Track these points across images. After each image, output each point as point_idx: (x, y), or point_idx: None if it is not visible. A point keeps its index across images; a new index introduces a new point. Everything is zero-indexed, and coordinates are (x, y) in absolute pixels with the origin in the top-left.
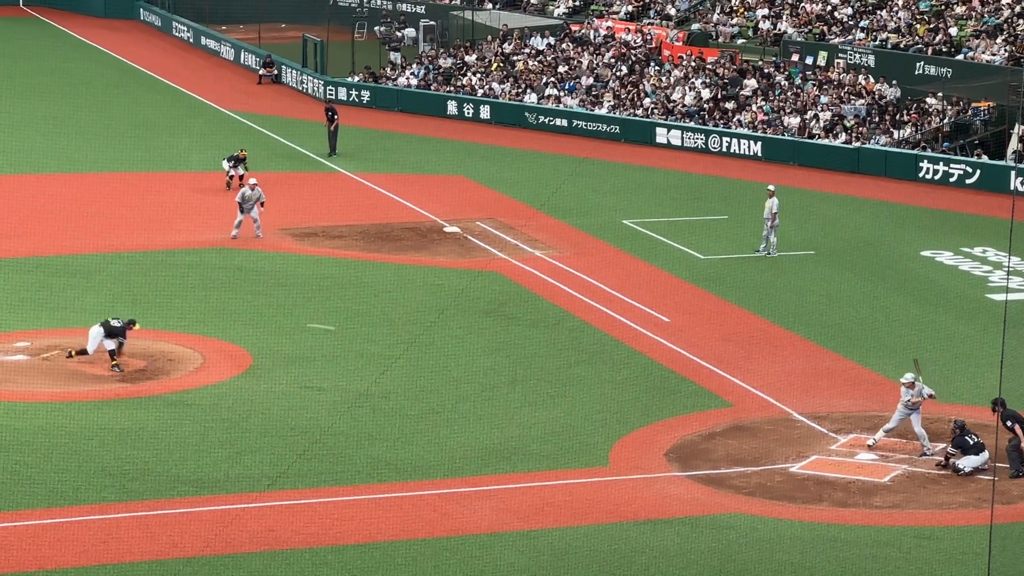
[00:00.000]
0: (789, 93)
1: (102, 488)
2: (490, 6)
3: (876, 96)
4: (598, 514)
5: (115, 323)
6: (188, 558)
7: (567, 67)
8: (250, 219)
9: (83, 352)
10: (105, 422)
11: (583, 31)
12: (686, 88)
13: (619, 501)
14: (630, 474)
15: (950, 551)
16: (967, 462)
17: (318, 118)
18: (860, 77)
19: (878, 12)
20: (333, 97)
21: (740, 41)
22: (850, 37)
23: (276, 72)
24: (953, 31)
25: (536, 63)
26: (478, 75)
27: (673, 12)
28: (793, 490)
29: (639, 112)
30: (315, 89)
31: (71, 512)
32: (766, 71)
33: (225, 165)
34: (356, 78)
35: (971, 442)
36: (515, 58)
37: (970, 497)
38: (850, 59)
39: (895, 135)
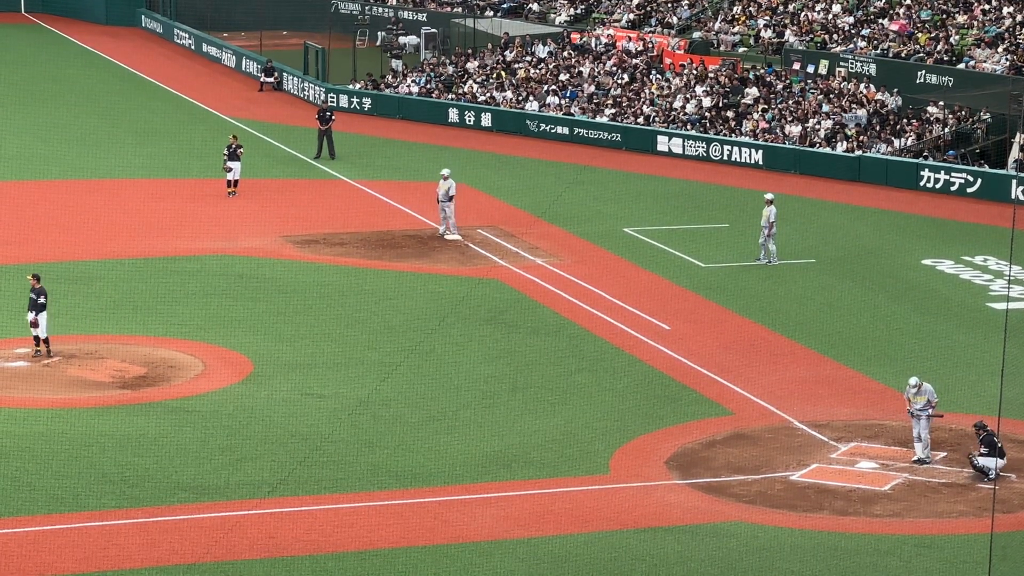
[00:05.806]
0: (790, 102)
1: (102, 494)
2: (491, 14)
3: (877, 105)
4: (599, 522)
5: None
6: (188, 565)
7: (568, 75)
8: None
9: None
10: (105, 428)
11: (585, 39)
12: (687, 96)
13: (620, 509)
14: (631, 482)
15: (951, 560)
16: (990, 462)
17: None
18: (861, 86)
19: (879, 21)
20: (334, 104)
21: (741, 50)
22: (851, 46)
23: (278, 79)
24: (954, 40)
25: (537, 71)
26: (479, 83)
27: (674, 20)
28: (793, 498)
29: (640, 120)
30: (316, 96)
31: (71, 518)
32: (766, 80)
33: (229, 165)
34: (357, 85)
35: (998, 444)
36: (516, 66)
37: (971, 506)
38: (851, 68)
39: (896, 144)
